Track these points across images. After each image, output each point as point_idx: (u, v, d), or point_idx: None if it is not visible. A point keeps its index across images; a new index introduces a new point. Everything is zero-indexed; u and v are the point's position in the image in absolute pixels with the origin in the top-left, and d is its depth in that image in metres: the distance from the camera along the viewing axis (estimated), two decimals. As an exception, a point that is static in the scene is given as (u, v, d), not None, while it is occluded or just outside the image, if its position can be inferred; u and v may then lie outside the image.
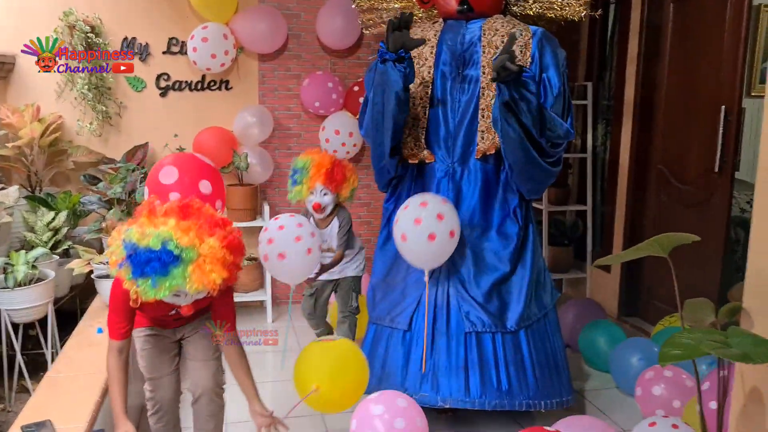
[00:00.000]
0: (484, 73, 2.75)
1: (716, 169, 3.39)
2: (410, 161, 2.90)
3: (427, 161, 2.87)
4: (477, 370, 2.66)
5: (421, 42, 2.61)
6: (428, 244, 2.56)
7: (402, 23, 2.56)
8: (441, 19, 2.95)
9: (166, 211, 1.86)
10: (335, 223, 3.24)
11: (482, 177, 2.83)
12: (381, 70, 2.68)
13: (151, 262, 1.76)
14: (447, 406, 2.66)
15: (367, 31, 3.31)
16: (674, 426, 2.26)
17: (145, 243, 1.77)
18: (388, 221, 3.00)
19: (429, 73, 2.85)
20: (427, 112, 2.85)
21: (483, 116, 2.77)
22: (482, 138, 2.78)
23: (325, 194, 3.15)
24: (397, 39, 2.57)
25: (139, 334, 2.22)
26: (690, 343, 1.67)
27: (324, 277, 3.27)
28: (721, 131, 3.34)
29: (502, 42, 2.70)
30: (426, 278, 2.69)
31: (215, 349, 2.27)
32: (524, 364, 2.71)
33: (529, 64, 2.70)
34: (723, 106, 3.33)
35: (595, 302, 3.85)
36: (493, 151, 2.77)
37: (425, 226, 2.55)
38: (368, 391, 2.78)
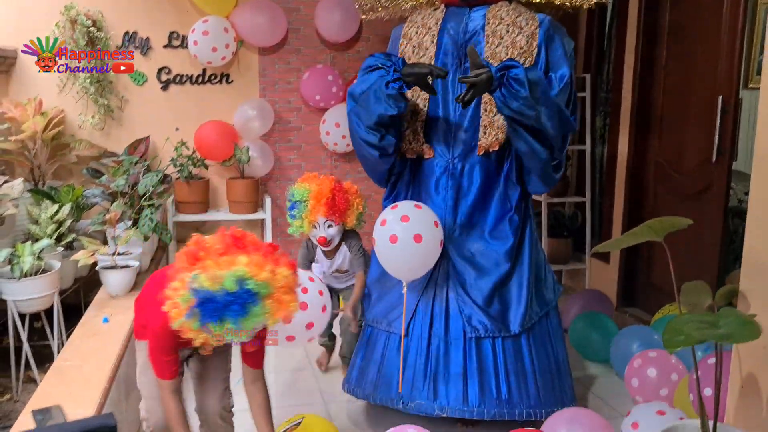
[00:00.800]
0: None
1: (713, 160, 3.42)
2: (408, 156, 2.77)
3: (425, 156, 2.73)
4: (476, 378, 2.56)
5: (432, 91, 2.57)
6: (391, 247, 2.46)
7: (436, 73, 2.48)
8: (443, 6, 2.78)
9: (225, 248, 1.76)
10: (344, 249, 3.01)
11: (484, 174, 2.68)
12: (383, 91, 2.54)
13: (231, 305, 1.67)
14: (444, 415, 2.55)
15: (365, 16, 3.22)
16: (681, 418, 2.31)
17: (219, 287, 1.67)
18: None
19: (430, 63, 2.69)
20: (426, 105, 2.71)
21: (486, 110, 2.63)
22: (485, 133, 2.64)
23: (329, 226, 2.88)
24: (419, 79, 2.49)
25: (145, 348, 2.09)
26: (687, 329, 1.69)
27: (333, 284, 3.11)
28: (718, 122, 3.37)
29: (507, 32, 2.60)
30: (404, 290, 2.57)
31: (224, 369, 2.21)
32: (525, 372, 2.61)
33: (534, 55, 2.57)
34: (720, 98, 3.36)
35: (602, 293, 3.86)
36: (496, 148, 2.63)
37: (388, 227, 2.48)
38: (363, 397, 2.75)
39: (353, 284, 3.10)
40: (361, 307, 2.99)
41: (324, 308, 2.65)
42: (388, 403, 2.63)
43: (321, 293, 2.67)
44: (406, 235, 2.44)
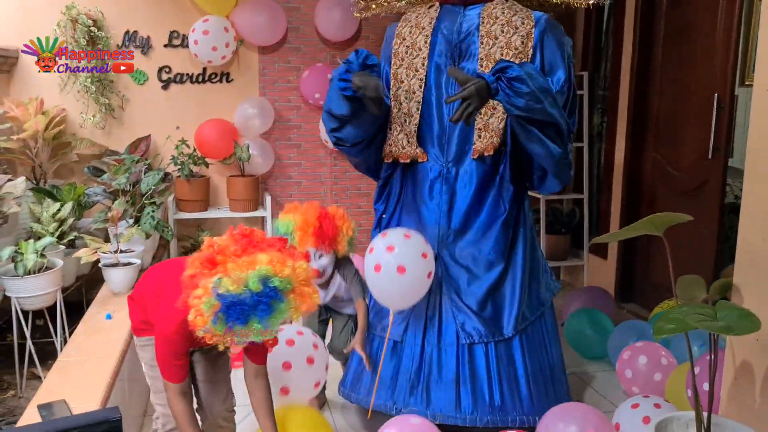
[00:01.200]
0: (482, 66, 2.53)
1: (710, 156, 3.45)
2: (401, 160, 2.70)
3: (419, 160, 2.67)
4: (468, 385, 2.53)
5: (374, 109, 2.52)
6: (375, 275, 2.45)
7: (368, 96, 2.46)
8: (437, 4, 2.72)
9: (241, 248, 1.75)
10: (338, 278, 2.87)
11: (478, 178, 2.61)
12: (334, 86, 2.56)
13: (260, 305, 1.67)
14: (436, 422, 2.48)
15: (358, 15, 3.19)
16: (656, 405, 2.37)
17: (244, 288, 1.67)
18: (379, 223, 2.84)
19: (423, 65, 2.63)
20: (420, 108, 2.65)
21: (480, 113, 2.55)
22: (479, 137, 2.57)
23: (320, 256, 2.70)
24: (360, 83, 2.45)
25: (149, 343, 2.04)
26: (681, 318, 1.72)
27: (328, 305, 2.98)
28: (714, 119, 3.40)
29: (502, 32, 2.54)
30: (390, 318, 2.56)
31: (227, 371, 2.21)
32: (518, 378, 2.57)
33: (530, 56, 2.51)
34: (716, 95, 3.39)
35: (603, 290, 3.86)
36: (491, 152, 2.56)
37: (375, 255, 2.46)
38: (357, 401, 2.72)
39: (341, 314, 2.98)
40: (350, 339, 2.88)
41: (311, 359, 2.57)
42: (381, 409, 2.61)
43: (315, 347, 2.63)
44: (389, 265, 2.41)
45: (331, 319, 3.04)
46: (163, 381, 1.94)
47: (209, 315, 1.68)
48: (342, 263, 2.81)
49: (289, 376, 2.53)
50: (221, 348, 1.78)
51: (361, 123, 2.64)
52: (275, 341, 1.92)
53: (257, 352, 2.00)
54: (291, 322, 2.88)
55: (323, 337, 3.00)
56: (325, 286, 2.87)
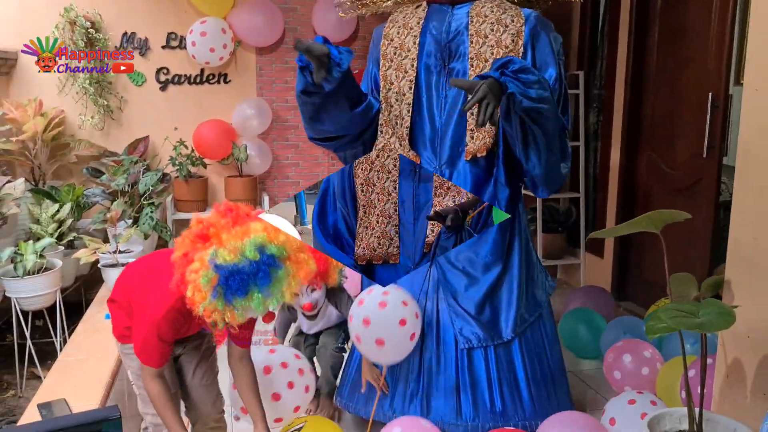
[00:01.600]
0: (472, 65, 2.47)
1: (704, 155, 3.47)
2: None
3: None
4: (469, 391, 2.50)
5: (317, 74, 2.27)
6: (358, 344, 2.46)
7: (301, 46, 2.21)
8: (425, 3, 2.64)
9: (233, 220, 1.73)
10: (329, 310, 2.83)
11: (472, 180, 2.55)
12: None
13: (259, 273, 1.66)
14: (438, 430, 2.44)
15: (344, 15, 3.13)
16: (653, 403, 2.40)
17: (241, 257, 1.65)
18: None
19: (412, 66, 2.56)
20: (410, 110, 2.58)
21: (473, 114, 2.45)
22: (472, 138, 2.51)
23: (312, 290, 2.68)
24: (299, 38, 2.26)
25: (131, 351, 1.96)
26: (666, 318, 1.74)
27: (305, 328, 2.92)
28: (708, 118, 3.43)
29: (492, 30, 2.47)
30: (383, 370, 2.56)
31: (214, 373, 2.20)
32: (518, 382, 2.54)
33: (521, 54, 2.46)
34: (710, 94, 3.41)
35: (603, 289, 3.86)
36: (484, 153, 2.50)
37: (354, 326, 2.45)
38: (354, 411, 2.70)
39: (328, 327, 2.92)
40: (342, 337, 2.87)
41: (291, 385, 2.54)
42: (381, 418, 2.58)
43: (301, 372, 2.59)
44: (368, 338, 2.41)
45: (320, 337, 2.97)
46: (141, 365, 1.89)
47: (208, 289, 1.66)
48: (333, 293, 2.76)
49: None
50: (221, 326, 1.73)
51: (331, 117, 2.54)
52: (272, 315, 1.93)
53: (242, 336, 1.99)
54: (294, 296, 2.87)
55: (311, 360, 2.93)
56: (312, 318, 2.84)
